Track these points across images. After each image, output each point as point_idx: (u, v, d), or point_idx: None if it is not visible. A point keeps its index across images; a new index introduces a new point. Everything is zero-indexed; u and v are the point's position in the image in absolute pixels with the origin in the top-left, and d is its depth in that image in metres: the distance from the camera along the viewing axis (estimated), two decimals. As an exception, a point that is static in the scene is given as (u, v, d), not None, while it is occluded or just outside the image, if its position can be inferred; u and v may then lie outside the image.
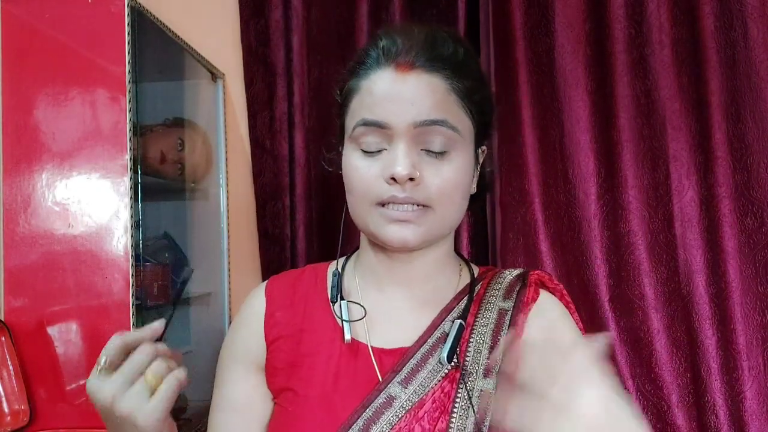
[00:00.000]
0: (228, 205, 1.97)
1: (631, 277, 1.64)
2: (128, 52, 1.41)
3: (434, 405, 0.71)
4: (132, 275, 1.40)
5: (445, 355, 0.73)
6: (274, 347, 0.81)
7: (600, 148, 1.68)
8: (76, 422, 1.39)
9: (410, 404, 0.71)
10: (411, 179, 0.70)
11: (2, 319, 1.40)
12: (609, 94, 1.66)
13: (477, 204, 0.85)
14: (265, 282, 0.87)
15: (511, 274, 0.82)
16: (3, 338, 1.38)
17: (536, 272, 0.81)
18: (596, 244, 1.66)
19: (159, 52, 1.73)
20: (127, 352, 0.63)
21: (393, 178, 0.70)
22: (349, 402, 0.74)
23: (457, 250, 0.87)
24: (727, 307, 1.58)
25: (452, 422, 0.69)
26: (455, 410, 0.70)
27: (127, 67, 1.41)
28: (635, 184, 1.65)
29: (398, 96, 0.70)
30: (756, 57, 1.59)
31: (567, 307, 0.80)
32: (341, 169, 0.79)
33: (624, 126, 1.65)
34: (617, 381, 0.67)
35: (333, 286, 0.81)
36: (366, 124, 0.72)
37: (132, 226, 1.41)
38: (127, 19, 1.41)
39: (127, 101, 1.41)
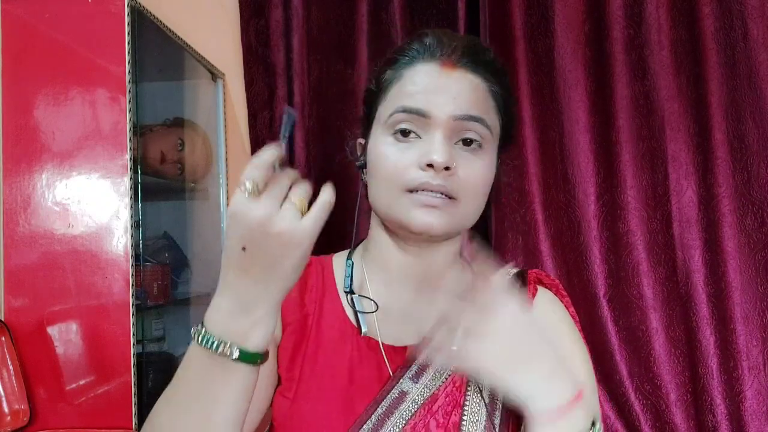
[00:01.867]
0: (228, 205, 1.97)
1: (630, 276, 1.64)
2: (128, 52, 1.41)
3: (447, 399, 0.72)
4: (132, 275, 1.40)
5: (456, 347, 0.73)
6: (289, 330, 0.81)
7: (599, 148, 1.68)
8: (76, 422, 1.39)
9: (422, 399, 0.72)
10: (447, 168, 0.71)
11: (2, 319, 1.40)
12: (608, 95, 1.66)
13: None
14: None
15: (509, 273, 0.83)
16: (3, 338, 1.38)
17: (534, 270, 0.83)
18: (595, 244, 1.66)
19: (159, 52, 1.73)
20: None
21: (429, 165, 0.71)
22: (362, 398, 0.74)
23: None
24: (727, 307, 1.58)
25: (465, 415, 0.70)
26: (467, 403, 0.71)
27: (127, 67, 1.41)
28: (634, 184, 1.65)
29: (442, 88, 0.73)
30: (756, 57, 1.59)
31: (562, 301, 0.82)
32: (360, 160, 0.81)
33: (623, 126, 1.65)
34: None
35: (347, 276, 0.82)
36: (406, 110, 0.73)
37: (132, 226, 1.41)
38: (127, 19, 1.41)
39: (127, 101, 1.41)
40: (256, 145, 1.89)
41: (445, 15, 1.76)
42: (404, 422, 0.71)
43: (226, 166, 1.97)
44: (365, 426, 0.72)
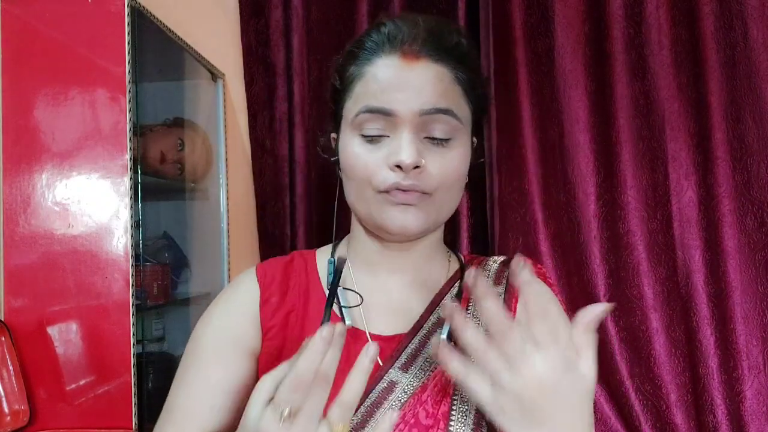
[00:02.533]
0: (228, 205, 1.97)
1: (630, 277, 1.64)
2: (128, 52, 1.41)
3: (436, 388, 0.71)
4: (132, 275, 1.40)
5: (445, 336, 0.73)
6: (271, 335, 0.80)
7: (599, 148, 1.68)
8: (76, 422, 1.39)
9: (412, 388, 0.71)
10: (416, 167, 0.70)
11: (2, 319, 1.40)
12: (608, 95, 1.66)
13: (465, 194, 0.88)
14: (253, 268, 0.84)
15: (496, 262, 0.84)
16: (3, 338, 1.38)
17: (519, 256, 0.84)
18: (595, 244, 1.66)
19: (159, 52, 1.73)
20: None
21: (398, 166, 0.70)
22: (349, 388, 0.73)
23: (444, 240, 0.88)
24: (727, 307, 1.58)
25: (454, 404, 0.70)
26: (457, 392, 0.70)
27: (127, 67, 1.41)
28: (634, 184, 1.65)
29: (405, 84, 0.71)
30: (756, 57, 1.59)
31: (551, 288, 0.84)
32: (335, 155, 0.79)
33: (623, 126, 1.65)
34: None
35: (329, 273, 0.81)
36: (371, 110, 0.71)
37: (132, 226, 1.41)
38: (127, 19, 1.41)
39: (127, 101, 1.41)
40: (256, 145, 1.89)
41: (445, 15, 1.76)
42: (392, 413, 0.71)
43: (226, 166, 1.97)
44: (355, 417, 0.71)
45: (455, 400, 0.70)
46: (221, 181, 1.96)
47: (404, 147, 0.70)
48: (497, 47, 1.73)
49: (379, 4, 1.78)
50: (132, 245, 1.41)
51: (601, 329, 1.65)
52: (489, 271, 0.82)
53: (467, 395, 0.68)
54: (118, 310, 1.39)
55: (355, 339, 0.77)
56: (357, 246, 0.83)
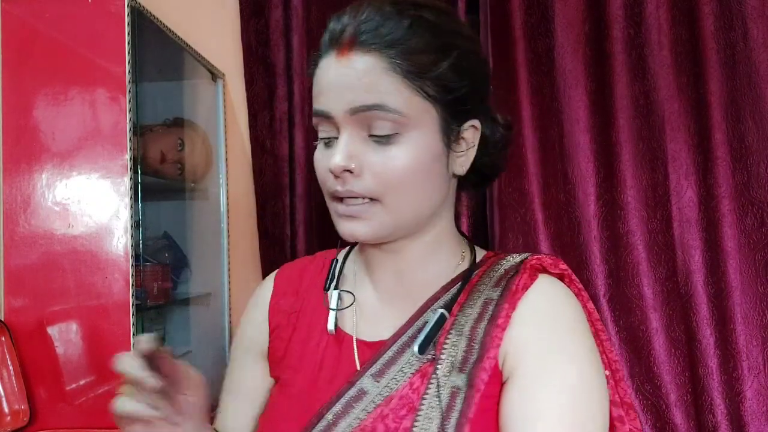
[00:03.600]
0: (228, 205, 1.97)
1: (630, 276, 1.64)
2: (128, 52, 1.41)
3: (401, 401, 0.66)
4: (132, 275, 1.40)
5: (416, 346, 0.67)
6: (275, 335, 0.81)
7: (599, 148, 1.68)
8: (76, 422, 1.39)
9: (380, 399, 0.67)
10: (350, 171, 0.66)
11: (2, 319, 1.40)
12: (608, 95, 1.66)
13: (481, 185, 0.80)
14: (279, 268, 0.87)
15: (513, 259, 0.75)
16: (3, 338, 1.38)
17: (537, 256, 0.73)
18: (595, 244, 1.66)
19: (159, 52, 1.73)
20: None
21: (332, 172, 0.67)
22: (327, 394, 0.71)
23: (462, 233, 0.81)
24: (727, 307, 1.58)
25: (417, 421, 0.64)
26: (422, 408, 0.64)
27: (127, 67, 1.41)
28: (634, 184, 1.65)
29: (336, 82, 0.67)
30: (756, 57, 1.59)
31: (578, 295, 0.73)
32: None
33: (623, 126, 1.65)
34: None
35: (330, 273, 0.81)
36: (316, 114, 0.70)
37: (132, 226, 1.41)
38: (127, 19, 1.41)
39: (127, 101, 1.41)
40: (256, 145, 1.89)
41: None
42: (358, 422, 0.67)
43: (226, 166, 1.97)
44: (320, 423, 0.69)
45: (419, 415, 0.64)
46: (221, 181, 1.96)
47: (337, 151, 0.66)
48: (497, 47, 1.73)
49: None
50: (132, 245, 1.41)
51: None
52: (498, 270, 0.74)
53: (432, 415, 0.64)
54: (118, 310, 1.39)
55: (340, 343, 0.75)
56: (360, 247, 0.82)
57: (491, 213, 1.76)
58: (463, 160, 0.72)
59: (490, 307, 0.69)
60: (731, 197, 1.60)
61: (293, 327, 0.80)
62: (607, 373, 0.72)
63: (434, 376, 0.66)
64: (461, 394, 0.64)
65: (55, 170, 1.43)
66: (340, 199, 0.69)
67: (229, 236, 1.96)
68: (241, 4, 1.90)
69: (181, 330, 1.93)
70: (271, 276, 0.87)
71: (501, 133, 0.76)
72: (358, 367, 0.72)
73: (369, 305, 0.77)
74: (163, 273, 1.75)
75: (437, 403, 0.64)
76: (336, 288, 0.79)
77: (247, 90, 1.90)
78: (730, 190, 1.60)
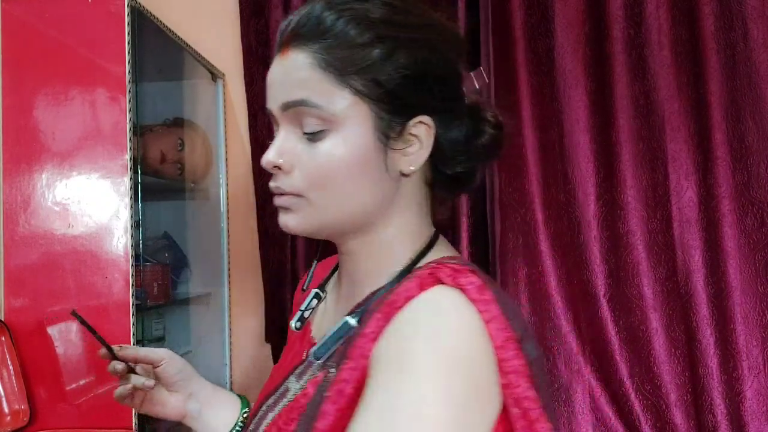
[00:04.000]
0: (228, 205, 1.97)
1: (630, 276, 1.64)
2: (128, 52, 1.41)
3: (295, 404, 0.66)
4: (132, 275, 1.40)
5: (312, 351, 0.66)
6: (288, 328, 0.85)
7: (599, 148, 1.68)
8: (76, 422, 1.39)
9: (292, 399, 0.68)
10: (279, 168, 0.66)
11: (2, 319, 1.40)
12: (608, 95, 1.66)
13: (453, 189, 0.74)
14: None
15: (425, 267, 0.66)
16: (3, 338, 1.38)
17: (438, 265, 0.63)
18: (595, 244, 1.66)
19: (159, 52, 1.73)
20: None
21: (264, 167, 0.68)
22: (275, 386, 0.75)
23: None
24: (727, 307, 1.58)
25: (297, 428, 0.63)
26: (302, 416, 0.63)
27: (127, 67, 1.41)
28: (634, 184, 1.65)
29: (272, 80, 0.68)
30: (756, 57, 1.59)
31: (482, 313, 0.58)
32: None
33: (623, 126, 1.65)
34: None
35: (308, 273, 0.83)
36: (267, 114, 0.70)
37: (132, 226, 1.41)
38: (127, 19, 1.41)
39: (127, 101, 1.41)
40: (256, 145, 1.89)
41: (445, 15, 1.76)
42: (272, 419, 0.69)
43: (226, 166, 1.97)
44: (258, 414, 0.72)
45: (300, 423, 0.63)
46: (221, 181, 1.96)
47: (269, 148, 0.67)
48: (497, 47, 1.73)
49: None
50: (132, 245, 1.41)
51: (601, 329, 1.65)
52: (409, 279, 0.64)
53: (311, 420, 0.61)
54: (118, 310, 1.39)
55: (301, 340, 0.77)
56: None
57: (491, 213, 1.76)
58: (413, 158, 0.67)
59: (371, 320, 0.62)
60: (731, 197, 1.60)
61: (288, 326, 0.84)
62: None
63: (321, 384, 0.63)
64: (317, 403, 0.61)
65: (55, 170, 1.43)
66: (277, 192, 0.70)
67: (229, 236, 1.96)
68: (241, 4, 1.90)
69: (181, 330, 1.93)
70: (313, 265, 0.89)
71: (489, 134, 0.70)
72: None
73: (332, 305, 0.78)
74: (163, 273, 1.75)
75: (316, 411, 0.61)
76: (320, 287, 0.80)
77: (247, 90, 1.90)
78: (730, 190, 1.60)
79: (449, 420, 0.53)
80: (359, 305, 0.68)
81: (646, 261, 1.64)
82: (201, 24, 1.93)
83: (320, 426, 0.59)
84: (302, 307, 0.78)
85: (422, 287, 0.60)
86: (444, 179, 0.71)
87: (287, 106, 0.65)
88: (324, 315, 0.78)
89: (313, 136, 0.65)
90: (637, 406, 1.62)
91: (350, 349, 0.60)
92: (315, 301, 0.78)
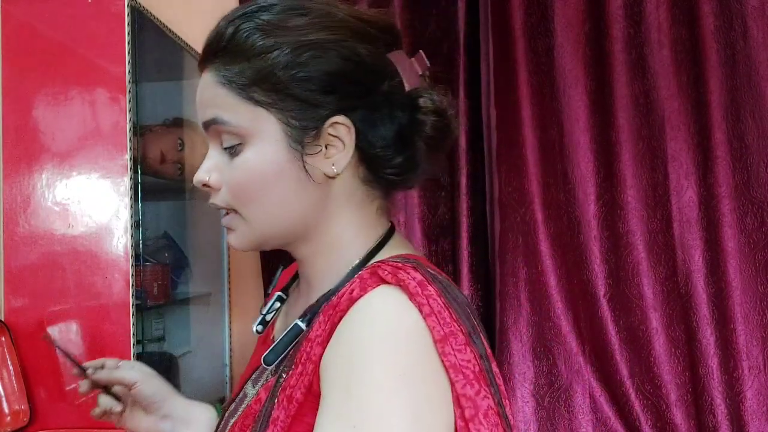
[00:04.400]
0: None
1: (630, 276, 1.64)
2: (128, 52, 1.41)
3: (249, 411, 0.66)
4: (132, 275, 1.40)
5: (262, 357, 0.66)
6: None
7: (599, 148, 1.68)
8: (76, 422, 1.39)
9: (248, 405, 0.68)
10: (209, 186, 0.68)
11: (2, 319, 1.40)
12: (608, 94, 1.66)
13: (400, 183, 0.70)
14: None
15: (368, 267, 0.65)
16: (3, 338, 1.38)
17: (378, 264, 0.62)
18: (595, 244, 1.66)
19: (159, 52, 1.73)
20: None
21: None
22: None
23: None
24: (727, 306, 1.58)
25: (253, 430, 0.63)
26: (257, 421, 0.62)
27: (127, 67, 1.41)
28: (634, 184, 1.65)
29: (196, 101, 0.69)
30: (756, 57, 1.59)
31: (420, 308, 0.57)
32: None
33: (623, 126, 1.65)
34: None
35: (275, 277, 0.83)
36: None
37: (132, 226, 1.41)
38: (127, 19, 1.41)
39: (127, 101, 1.41)
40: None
41: (445, 14, 1.76)
42: (231, 423, 0.69)
43: (226, 166, 1.96)
44: (224, 420, 0.72)
45: (254, 429, 0.62)
46: (221, 181, 1.96)
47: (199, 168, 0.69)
48: (497, 47, 1.73)
49: (379, 5, 1.77)
50: (132, 245, 1.41)
51: (601, 329, 1.65)
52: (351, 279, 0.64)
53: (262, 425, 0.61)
54: (118, 310, 1.39)
55: (263, 345, 0.75)
56: None
57: (491, 213, 1.76)
58: (335, 159, 0.65)
59: (317, 322, 0.62)
60: (731, 197, 1.60)
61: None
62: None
63: (274, 390, 0.63)
64: (267, 410, 0.61)
65: (55, 170, 1.43)
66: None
67: (229, 236, 1.96)
68: (240, 4, 1.89)
69: (181, 330, 1.93)
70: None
71: (429, 122, 0.67)
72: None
73: (291, 309, 0.77)
74: (163, 273, 1.75)
75: (266, 417, 0.61)
76: (283, 290, 0.80)
77: (247, 90, 1.90)
78: (730, 190, 1.60)
79: (408, 425, 0.52)
80: (310, 308, 0.67)
81: (646, 261, 1.64)
82: (201, 24, 1.91)
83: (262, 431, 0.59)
84: (263, 311, 0.77)
85: (364, 288, 0.59)
86: (381, 177, 0.69)
87: (205, 126, 0.67)
88: (284, 318, 0.77)
89: (231, 151, 0.65)
90: (637, 406, 1.62)
91: (297, 354, 0.60)
92: (278, 303, 0.78)
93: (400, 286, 0.58)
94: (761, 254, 1.59)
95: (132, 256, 1.41)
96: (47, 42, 1.44)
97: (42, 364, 1.40)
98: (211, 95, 0.65)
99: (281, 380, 0.62)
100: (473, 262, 1.75)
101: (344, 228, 0.69)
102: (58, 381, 1.40)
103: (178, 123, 1.90)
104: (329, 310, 0.60)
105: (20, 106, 1.44)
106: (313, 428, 0.56)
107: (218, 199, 0.68)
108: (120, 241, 1.41)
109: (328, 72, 0.63)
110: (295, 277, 0.81)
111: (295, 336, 0.64)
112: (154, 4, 1.57)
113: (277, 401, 0.60)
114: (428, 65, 0.70)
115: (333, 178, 0.66)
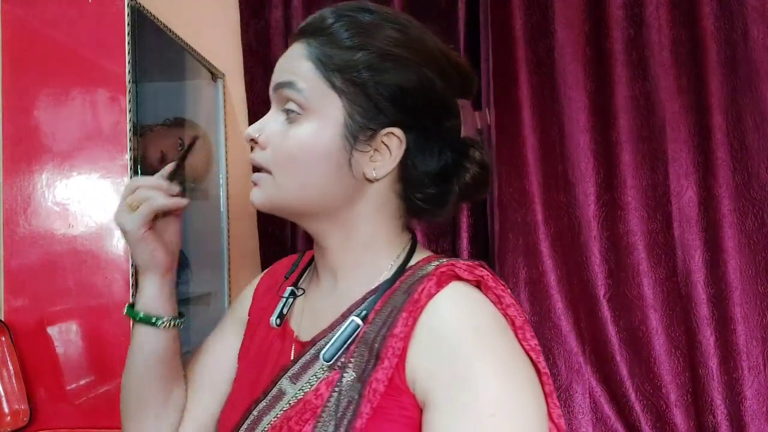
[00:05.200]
0: (228, 205, 1.97)
1: (630, 277, 1.64)
2: (128, 52, 1.41)
3: (306, 406, 0.67)
4: (132, 275, 1.40)
5: (322, 354, 0.68)
6: (247, 329, 0.86)
7: (599, 148, 1.68)
8: (76, 422, 1.39)
9: (294, 401, 0.69)
10: (254, 141, 0.73)
11: (2, 319, 1.40)
12: (608, 95, 1.66)
13: (412, 208, 0.75)
14: (273, 264, 0.93)
15: (432, 266, 0.71)
16: (3, 338, 1.38)
17: (452, 262, 0.69)
18: (595, 245, 1.66)
19: (159, 52, 1.73)
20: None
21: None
22: (261, 388, 0.74)
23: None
24: (727, 307, 1.58)
25: (316, 428, 0.64)
26: (322, 415, 0.64)
27: (127, 67, 1.41)
28: (634, 184, 1.65)
29: (276, 67, 0.74)
30: (756, 57, 1.59)
31: (498, 302, 0.66)
32: None
33: (623, 126, 1.65)
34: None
35: (290, 268, 0.85)
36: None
37: (132, 226, 1.41)
38: (127, 19, 1.41)
39: (127, 101, 1.41)
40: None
41: (445, 15, 1.76)
42: (271, 422, 0.70)
43: (226, 166, 1.97)
44: (247, 420, 0.73)
45: (318, 423, 0.64)
46: (221, 181, 1.96)
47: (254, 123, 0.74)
48: (497, 47, 1.73)
49: (379, 4, 1.77)
50: (132, 245, 1.41)
51: (601, 329, 1.65)
52: (416, 276, 0.70)
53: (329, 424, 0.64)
54: (118, 310, 1.39)
55: (283, 338, 0.78)
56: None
57: (491, 213, 1.75)
58: (378, 165, 0.70)
59: (392, 316, 0.65)
60: (731, 197, 1.60)
61: (259, 321, 0.84)
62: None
63: (338, 384, 0.65)
64: (354, 403, 0.63)
65: (55, 170, 1.43)
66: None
67: (229, 236, 1.96)
68: (241, 4, 1.90)
69: (182, 330, 1.93)
70: (272, 265, 0.93)
71: (471, 172, 0.73)
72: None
73: (312, 303, 0.79)
74: (163, 273, 1.74)
75: (335, 411, 0.64)
76: (294, 284, 0.82)
77: (247, 90, 1.90)
78: (730, 191, 1.60)
79: (532, 401, 0.61)
80: (358, 304, 0.71)
81: (646, 261, 1.64)
82: (201, 24, 1.93)
83: (359, 425, 0.61)
84: (280, 305, 0.80)
85: (440, 284, 0.65)
86: (411, 200, 0.74)
87: (277, 86, 0.72)
88: (304, 312, 0.79)
89: (290, 118, 0.70)
90: (637, 406, 1.62)
91: (383, 349, 0.63)
92: (291, 299, 0.80)
93: (479, 281, 0.67)
94: (761, 255, 1.59)
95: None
96: (47, 42, 1.44)
97: (42, 364, 1.40)
98: (296, 64, 0.71)
99: (347, 375, 0.65)
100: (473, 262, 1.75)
101: (376, 230, 0.74)
102: (58, 381, 1.40)
103: (178, 123, 1.90)
104: (410, 306, 0.65)
105: (20, 106, 1.44)
106: (389, 414, 0.62)
107: (259, 157, 0.73)
108: (120, 241, 1.41)
109: (401, 86, 0.69)
110: (304, 271, 0.84)
111: (353, 332, 0.68)
112: (154, 4, 1.57)
113: (364, 395, 0.62)
114: (489, 124, 0.74)
115: (370, 181, 0.71)
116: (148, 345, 0.80)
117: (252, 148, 0.74)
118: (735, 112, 1.61)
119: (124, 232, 0.77)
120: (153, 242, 0.77)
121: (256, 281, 0.92)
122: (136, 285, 1.41)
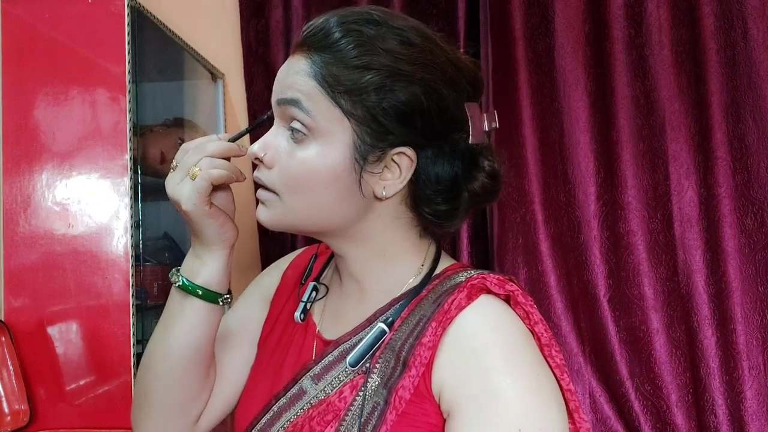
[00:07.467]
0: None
1: (631, 277, 1.64)
2: (128, 52, 1.41)
3: (329, 408, 0.67)
4: (132, 275, 1.40)
5: (348, 358, 0.68)
6: (269, 317, 0.85)
7: (600, 148, 1.68)
8: (76, 422, 1.39)
9: (315, 401, 0.69)
10: (259, 160, 0.71)
11: (2, 319, 1.40)
12: (608, 95, 1.66)
13: (422, 221, 0.74)
14: (309, 247, 0.90)
15: (462, 275, 0.71)
16: (3, 338, 1.38)
17: (483, 274, 0.69)
18: (596, 244, 1.66)
19: (159, 52, 1.73)
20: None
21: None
22: (282, 383, 0.74)
23: (451, 247, 0.82)
24: (727, 307, 1.58)
25: (340, 428, 0.64)
26: (346, 418, 0.65)
27: (127, 67, 1.41)
28: (635, 184, 1.65)
29: (278, 77, 0.71)
30: (756, 57, 1.59)
31: (526, 318, 0.67)
32: None
33: (623, 126, 1.65)
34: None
35: (309, 265, 0.84)
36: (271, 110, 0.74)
37: (132, 226, 1.41)
38: (127, 19, 1.41)
39: (127, 101, 1.41)
40: (256, 145, 1.89)
41: (445, 15, 1.76)
42: (293, 419, 0.70)
43: (226, 166, 1.97)
44: (267, 415, 0.73)
45: (342, 426, 0.64)
46: (221, 181, 1.96)
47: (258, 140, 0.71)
48: (497, 47, 1.73)
49: (379, 5, 1.77)
50: (132, 245, 1.41)
51: (602, 329, 1.65)
52: (445, 286, 0.70)
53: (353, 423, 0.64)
54: (118, 310, 1.39)
55: (305, 334, 0.78)
56: None
57: (491, 213, 1.75)
58: (388, 184, 0.69)
59: (420, 325, 0.66)
60: (732, 197, 1.60)
61: (281, 310, 0.83)
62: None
63: (363, 389, 0.65)
64: (378, 409, 0.63)
65: (55, 170, 1.43)
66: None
67: (229, 236, 1.96)
68: (241, 4, 1.90)
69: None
70: (302, 250, 0.90)
71: (480, 181, 0.71)
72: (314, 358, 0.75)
73: (335, 302, 0.79)
74: (163, 273, 1.74)
75: (359, 415, 0.64)
76: (316, 280, 0.82)
77: (247, 90, 1.90)
78: (730, 190, 1.60)
79: (555, 417, 0.62)
80: (383, 310, 0.71)
81: (647, 261, 1.64)
82: (201, 24, 1.93)
83: (382, 430, 0.62)
84: (303, 298, 0.79)
85: (470, 297, 0.66)
86: (422, 214, 0.72)
87: (281, 102, 0.69)
88: (326, 310, 0.79)
89: (297, 138, 0.68)
90: (637, 406, 1.62)
91: (410, 358, 0.64)
92: (314, 293, 0.80)
93: (509, 296, 0.67)
94: (761, 254, 1.59)
95: (132, 256, 1.41)
96: (47, 42, 1.44)
97: (42, 364, 1.40)
98: (300, 80, 0.67)
99: (372, 380, 0.65)
100: (473, 262, 1.76)
101: (392, 240, 0.73)
102: (58, 381, 1.40)
103: (178, 123, 1.90)
104: (440, 316, 0.65)
105: (20, 106, 1.44)
106: (413, 420, 0.63)
107: (265, 177, 0.71)
108: (120, 242, 1.41)
109: (410, 105, 0.66)
110: (324, 267, 0.83)
111: (379, 337, 0.68)
112: (154, 4, 1.57)
113: (390, 401, 0.63)
114: (497, 126, 0.73)
115: (380, 199, 0.69)
116: (202, 323, 0.74)
117: (255, 166, 0.72)
118: (735, 111, 1.61)
119: (186, 209, 0.71)
120: (221, 215, 0.73)
121: (284, 264, 0.89)
122: (135, 285, 1.41)
